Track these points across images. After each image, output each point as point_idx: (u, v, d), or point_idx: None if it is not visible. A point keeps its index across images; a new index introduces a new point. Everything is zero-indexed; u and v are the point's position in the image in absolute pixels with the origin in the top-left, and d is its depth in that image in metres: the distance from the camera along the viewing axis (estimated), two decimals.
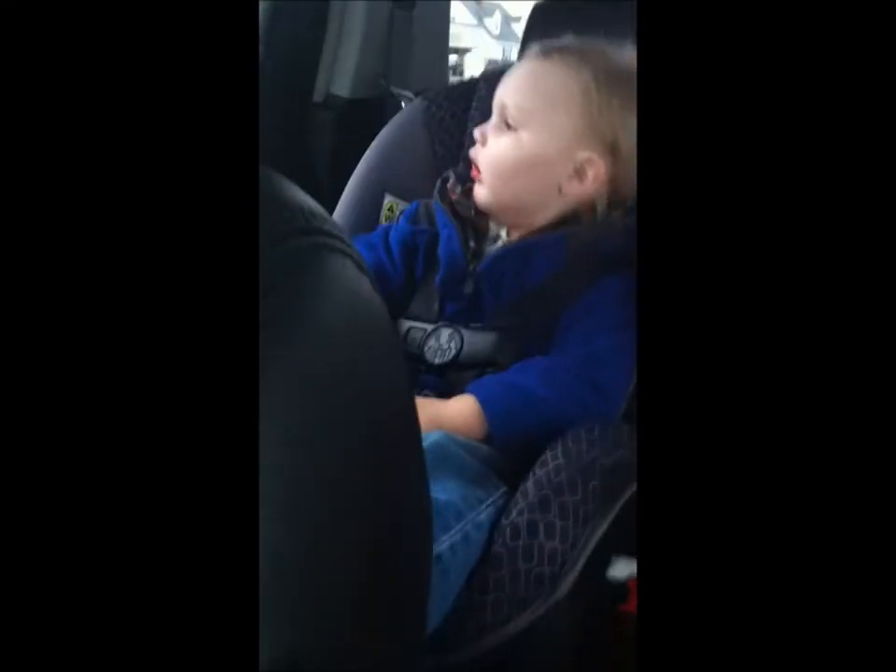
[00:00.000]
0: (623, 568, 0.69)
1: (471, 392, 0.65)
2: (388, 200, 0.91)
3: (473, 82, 0.98)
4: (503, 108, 0.72)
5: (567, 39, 0.75)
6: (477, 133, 0.74)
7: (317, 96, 1.22)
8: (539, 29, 1.10)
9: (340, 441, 0.29)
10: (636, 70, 0.77)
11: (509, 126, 0.71)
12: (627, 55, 0.73)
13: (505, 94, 0.73)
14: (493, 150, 0.72)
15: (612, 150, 0.71)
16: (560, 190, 0.72)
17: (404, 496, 0.35)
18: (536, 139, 0.70)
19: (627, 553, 0.67)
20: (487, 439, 0.63)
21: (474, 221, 0.75)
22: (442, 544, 0.52)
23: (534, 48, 0.75)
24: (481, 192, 0.74)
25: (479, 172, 0.73)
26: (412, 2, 1.20)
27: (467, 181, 0.76)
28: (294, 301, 0.27)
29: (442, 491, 0.55)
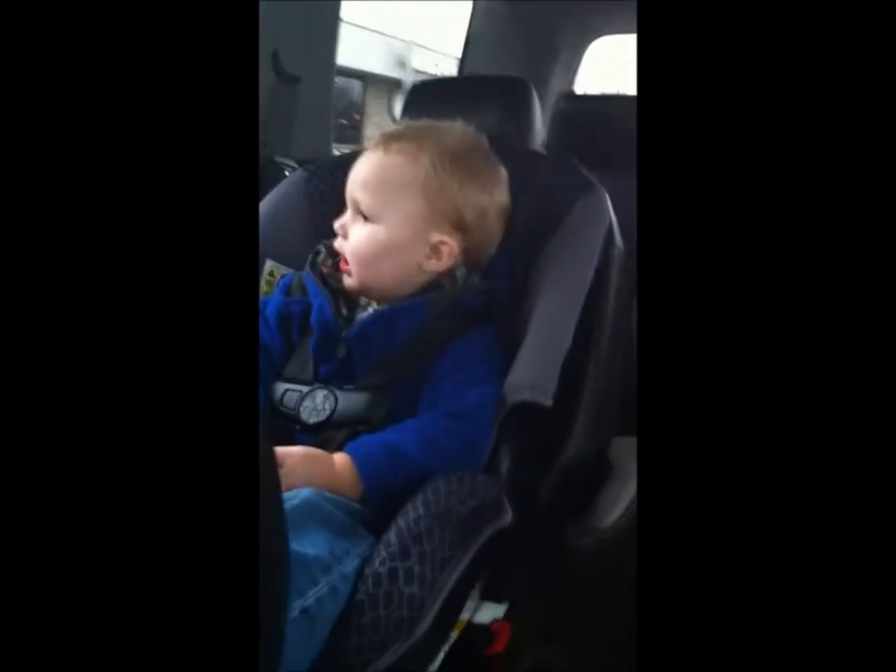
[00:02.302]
0: (488, 613, 0.74)
1: (349, 453, 0.69)
2: (269, 265, 0.95)
3: (354, 154, 1.04)
4: (356, 202, 0.79)
5: (404, 126, 0.83)
6: (337, 226, 0.80)
7: None
8: (416, 107, 1.18)
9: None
10: (467, 146, 0.84)
11: (365, 218, 0.78)
12: (459, 134, 0.82)
13: (355, 189, 0.80)
14: (354, 243, 0.79)
15: (460, 226, 0.79)
16: (421, 268, 0.79)
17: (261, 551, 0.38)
18: (390, 229, 0.78)
19: (485, 594, 0.72)
20: (361, 498, 0.67)
21: (344, 290, 0.81)
22: (309, 598, 0.55)
23: (375, 138, 0.82)
24: (349, 280, 0.80)
25: (346, 264, 0.80)
26: (296, 78, 1.26)
27: (336, 255, 0.82)
28: None
29: (311, 545, 0.58)
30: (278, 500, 0.40)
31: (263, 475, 0.39)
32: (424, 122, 0.85)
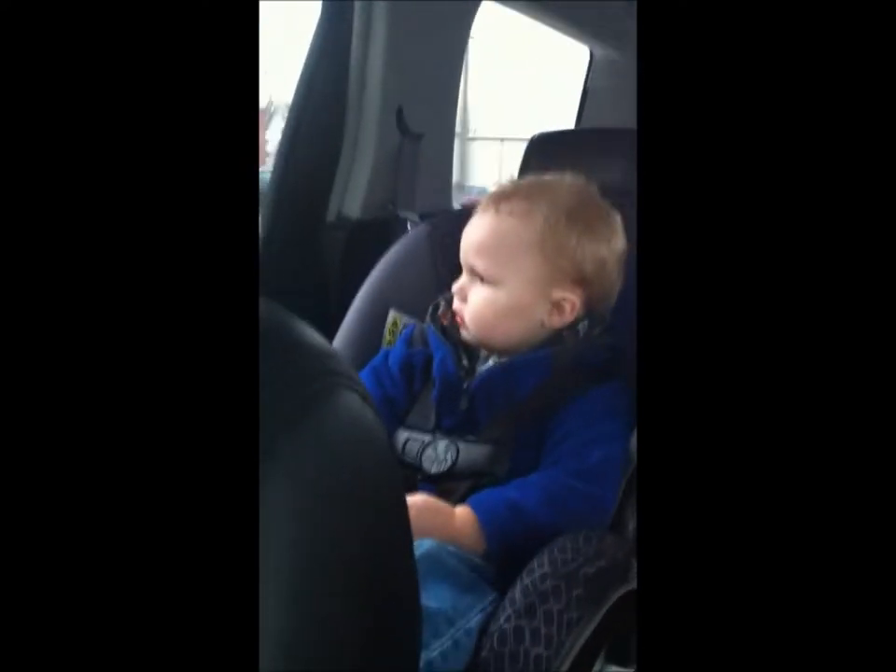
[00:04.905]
0: None
1: (473, 507, 0.68)
2: (392, 315, 0.98)
3: (474, 207, 1.06)
4: (472, 267, 0.79)
5: (512, 184, 0.83)
6: (455, 288, 0.81)
7: (330, 216, 1.32)
8: (536, 160, 1.20)
9: (341, 538, 0.33)
10: (580, 198, 0.82)
11: (483, 280, 0.78)
12: (570, 187, 0.81)
13: (470, 254, 0.80)
14: (474, 305, 0.79)
15: (580, 280, 0.78)
16: (543, 325, 0.79)
17: (394, 594, 0.38)
18: (510, 292, 0.78)
19: (613, 657, 0.68)
20: (483, 553, 0.66)
21: (465, 342, 0.81)
22: (433, 651, 0.54)
23: (484, 200, 0.82)
24: (469, 337, 0.80)
25: (464, 324, 0.80)
26: (419, 135, 1.31)
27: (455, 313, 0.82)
28: (311, 430, 0.32)
29: (434, 599, 0.57)
30: (410, 545, 0.40)
31: (396, 524, 0.39)
32: (532, 178, 0.85)
